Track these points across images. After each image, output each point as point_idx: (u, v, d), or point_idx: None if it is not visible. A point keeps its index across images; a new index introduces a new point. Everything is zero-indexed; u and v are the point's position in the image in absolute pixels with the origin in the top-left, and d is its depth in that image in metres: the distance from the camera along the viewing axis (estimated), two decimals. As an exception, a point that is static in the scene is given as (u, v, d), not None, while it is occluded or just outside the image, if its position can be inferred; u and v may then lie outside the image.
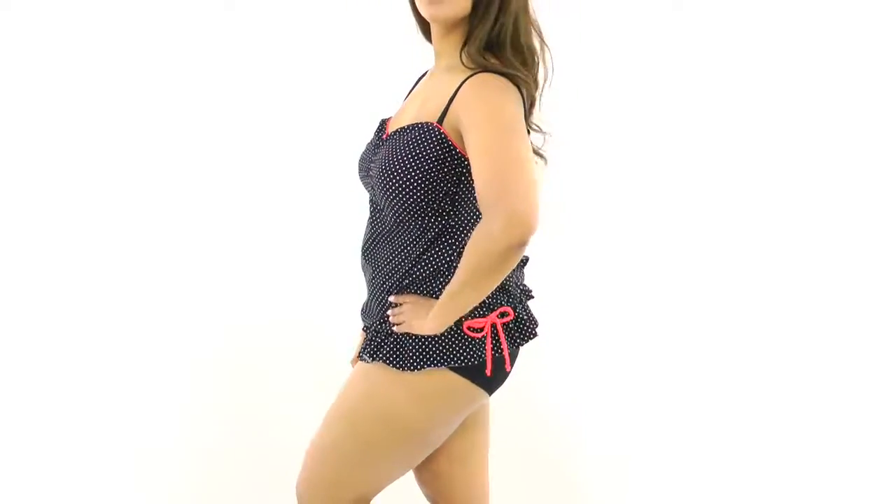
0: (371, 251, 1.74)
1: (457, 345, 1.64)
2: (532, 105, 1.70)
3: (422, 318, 1.63)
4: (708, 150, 2.77)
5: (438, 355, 1.64)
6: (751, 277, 2.78)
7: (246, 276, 2.70)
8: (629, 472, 2.76)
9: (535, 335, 1.70)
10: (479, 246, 1.49)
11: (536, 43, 1.68)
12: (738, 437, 2.78)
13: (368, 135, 1.92)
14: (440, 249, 1.65)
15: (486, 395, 1.71)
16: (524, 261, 1.79)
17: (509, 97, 1.56)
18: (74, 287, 2.63)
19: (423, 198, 1.62)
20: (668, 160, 2.76)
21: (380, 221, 1.72)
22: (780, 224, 2.77)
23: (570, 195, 2.72)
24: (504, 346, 1.66)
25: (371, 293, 1.76)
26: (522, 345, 1.70)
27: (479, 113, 1.53)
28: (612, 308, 2.77)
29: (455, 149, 1.59)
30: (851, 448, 2.76)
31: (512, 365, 1.70)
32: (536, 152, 1.75)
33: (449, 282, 1.60)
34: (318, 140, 2.69)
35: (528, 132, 1.69)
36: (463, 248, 1.65)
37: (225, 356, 2.70)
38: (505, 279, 1.64)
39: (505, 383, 1.75)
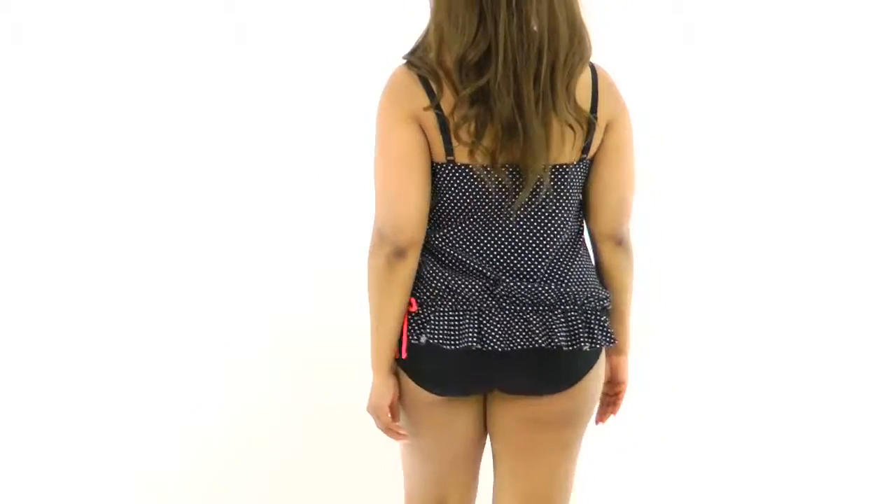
0: None
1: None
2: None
3: None
4: (704, 151, 2.78)
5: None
6: (745, 276, 2.79)
7: (254, 276, 2.71)
8: (627, 471, 2.76)
9: (423, 341, 1.66)
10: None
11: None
12: (736, 438, 2.78)
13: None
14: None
15: (407, 377, 1.71)
16: (488, 276, 1.69)
17: (386, 91, 1.66)
18: (78, 289, 2.64)
19: None
20: (665, 160, 2.77)
21: None
22: (777, 221, 2.78)
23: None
24: (404, 333, 1.68)
25: None
26: (431, 341, 1.66)
27: None
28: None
29: None
30: (851, 449, 2.77)
31: (412, 355, 1.68)
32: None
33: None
34: (318, 140, 2.69)
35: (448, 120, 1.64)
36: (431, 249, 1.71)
37: (238, 354, 2.72)
38: (429, 275, 1.67)
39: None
